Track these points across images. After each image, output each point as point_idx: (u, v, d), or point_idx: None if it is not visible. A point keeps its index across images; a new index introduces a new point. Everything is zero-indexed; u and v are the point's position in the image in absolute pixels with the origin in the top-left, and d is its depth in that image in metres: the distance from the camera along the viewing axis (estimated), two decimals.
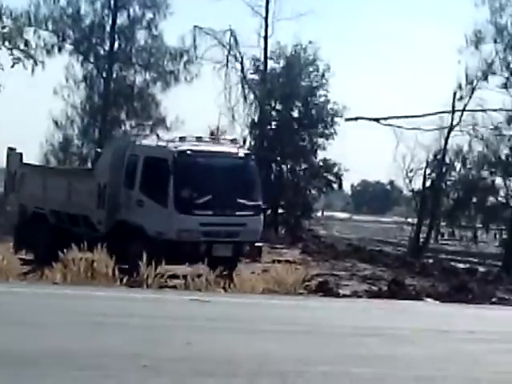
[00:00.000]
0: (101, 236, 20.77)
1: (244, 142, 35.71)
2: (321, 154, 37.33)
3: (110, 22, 38.28)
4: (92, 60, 38.77)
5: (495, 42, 33.49)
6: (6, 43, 24.23)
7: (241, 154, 22.46)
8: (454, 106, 28.89)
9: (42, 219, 23.15)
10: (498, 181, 31.52)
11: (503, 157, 31.24)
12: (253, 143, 36.71)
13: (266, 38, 36.41)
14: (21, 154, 25.14)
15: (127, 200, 20.93)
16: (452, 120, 30.77)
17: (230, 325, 10.83)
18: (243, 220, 20.80)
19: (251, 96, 36.71)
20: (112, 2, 38.03)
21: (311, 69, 36.92)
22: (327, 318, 12.67)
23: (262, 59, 36.51)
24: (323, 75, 37.41)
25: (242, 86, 37.02)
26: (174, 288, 17.97)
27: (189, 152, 21.00)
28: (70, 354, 7.51)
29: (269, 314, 12.73)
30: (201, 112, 43.27)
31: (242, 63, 36.76)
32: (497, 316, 14.59)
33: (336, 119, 36.26)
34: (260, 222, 21.54)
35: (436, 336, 10.66)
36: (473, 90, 33.00)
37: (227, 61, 36.84)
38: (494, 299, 17.83)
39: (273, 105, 36.94)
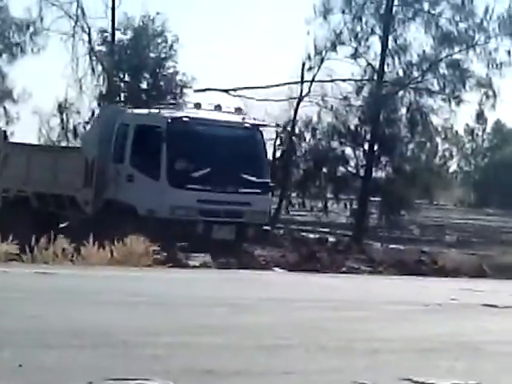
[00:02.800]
0: (90, 218, 19.26)
1: (92, 114, 34.95)
2: None
3: None
4: None
5: (343, 12, 34.19)
6: None
7: (246, 124, 20.78)
8: (303, 77, 29.30)
9: (25, 203, 21.34)
10: (348, 151, 31.75)
11: (352, 127, 31.60)
12: None
13: (113, 9, 35.94)
14: (4, 132, 23.20)
15: (116, 176, 19.30)
16: (301, 91, 31.38)
17: (75, 297, 10.40)
18: (248, 198, 19.45)
19: (99, 68, 36.35)
20: None
21: (159, 40, 37.14)
22: (174, 288, 12.47)
23: (110, 30, 36.02)
24: (171, 46, 37.67)
25: (90, 58, 36.34)
26: (21, 261, 16.37)
27: (185, 119, 19.55)
28: None
29: (115, 286, 12.33)
30: (49, 84, 42.31)
31: (89, 35, 36.05)
32: (345, 285, 14.79)
33: (185, 90, 36.30)
34: (267, 202, 20.35)
35: (282, 305, 10.57)
36: (322, 60, 33.22)
37: (74, 32, 35.99)
38: (343, 268, 17.92)
39: (121, 76, 36.87)
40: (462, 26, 33.89)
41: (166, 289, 12.22)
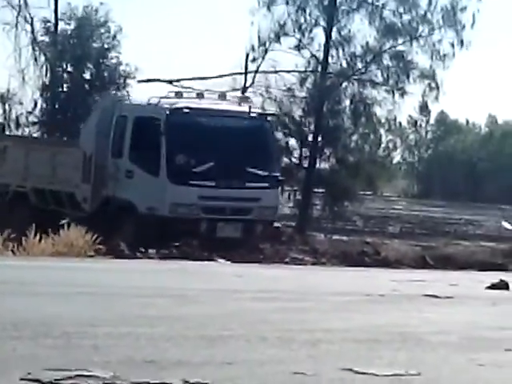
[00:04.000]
0: (86, 217, 18.47)
1: (35, 104, 36.65)
2: None
3: None
4: None
5: (287, 3, 34.55)
6: None
7: (253, 114, 19.76)
8: (246, 68, 29.37)
9: (24, 199, 20.57)
10: (292, 142, 31.62)
11: (296, 118, 31.60)
12: (44, 106, 36.65)
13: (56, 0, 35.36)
14: (2, 126, 23.01)
15: (115, 171, 18.64)
16: (245, 81, 31.39)
17: (16, 288, 10.37)
18: (256, 194, 18.85)
19: (42, 58, 36.60)
20: None
21: (103, 30, 37.38)
22: (115, 279, 12.45)
23: (53, 21, 36.56)
24: (115, 37, 37.98)
25: (33, 48, 36.71)
26: None
27: (186, 110, 18.87)
28: None
29: (56, 277, 12.26)
30: None
31: (32, 25, 36.56)
32: (288, 276, 14.84)
33: (128, 81, 36.53)
34: (277, 197, 19.74)
35: (224, 295, 10.62)
36: (266, 51, 33.63)
37: (17, 22, 36.56)
38: (286, 259, 17.88)
39: (64, 67, 37.09)
40: (405, 17, 34.30)
41: (107, 279, 12.25)
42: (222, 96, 21.78)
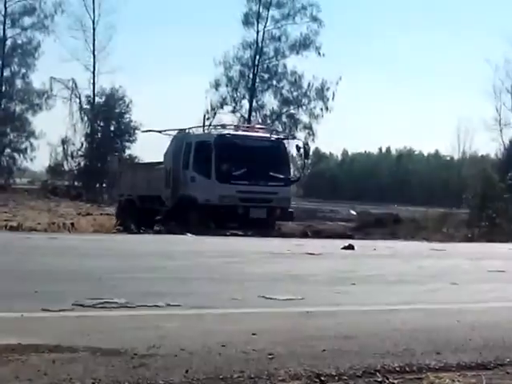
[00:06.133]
0: (168, 209, 18.71)
1: (82, 145, 40.00)
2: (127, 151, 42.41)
3: None
4: None
5: (226, 86, 38.14)
6: None
7: (272, 138, 20.13)
8: (204, 123, 29.80)
9: (132, 203, 20.79)
10: None
11: None
12: (87, 146, 40.00)
13: (93, 84, 39.86)
14: (118, 158, 22.77)
15: (184, 178, 18.54)
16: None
17: (74, 251, 10.32)
18: (275, 189, 18.35)
19: (85, 118, 40.23)
20: None
21: (121, 101, 41.63)
22: (127, 245, 12.44)
23: (92, 95, 40.54)
24: (128, 105, 41.99)
25: (80, 112, 40.17)
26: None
27: (227, 135, 18.82)
28: None
29: (93, 244, 12.56)
30: (57, 128, 44.27)
31: (79, 98, 40.52)
32: (229, 242, 14.67)
33: (137, 131, 39.84)
34: (290, 192, 19.58)
35: (192, 255, 10.44)
36: (215, 113, 37.42)
37: (71, 97, 39.67)
38: (227, 232, 18.06)
39: (98, 123, 41.19)
40: (295, 94, 38.20)
41: (124, 246, 12.53)
42: (252, 127, 23.22)
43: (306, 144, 20.24)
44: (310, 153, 20.67)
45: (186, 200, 18.20)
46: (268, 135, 20.63)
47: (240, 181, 17.69)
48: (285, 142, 20.53)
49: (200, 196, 17.81)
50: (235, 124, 25.68)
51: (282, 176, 18.69)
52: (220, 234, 16.24)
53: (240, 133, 20.38)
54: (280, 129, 37.36)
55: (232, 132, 19.99)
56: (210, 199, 17.59)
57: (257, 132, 21.33)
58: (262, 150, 18.80)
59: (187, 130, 20.54)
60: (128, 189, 21.79)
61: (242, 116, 36.60)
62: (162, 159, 21.11)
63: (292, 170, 20.28)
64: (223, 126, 22.20)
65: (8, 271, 7.18)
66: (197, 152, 18.32)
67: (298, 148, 20.81)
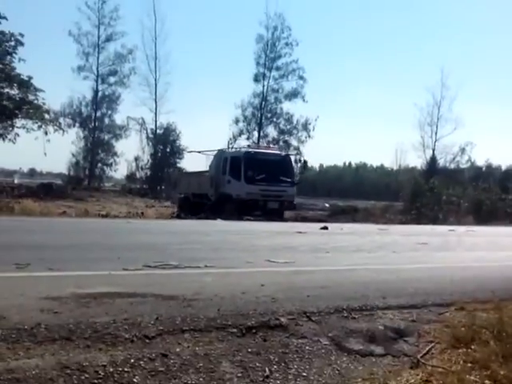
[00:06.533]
0: (212, 203, 18.61)
1: (148, 161, 39.06)
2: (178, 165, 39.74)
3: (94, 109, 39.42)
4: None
5: (243, 121, 36.49)
6: None
7: (282, 154, 19.99)
8: (228, 147, 30.14)
9: (188, 199, 20.67)
10: None
11: None
12: (152, 161, 38.78)
13: (155, 121, 38.78)
14: (178, 169, 24.93)
15: (222, 181, 18.22)
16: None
17: (148, 230, 10.45)
18: (284, 189, 17.98)
19: (150, 143, 39.16)
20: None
21: (173, 132, 38.82)
22: (182, 226, 12.09)
23: (154, 129, 39.17)
24: (178, 134, 39.27)
25: (147, 139, 39.29)
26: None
27: (251, 152, 18.68)
28: None
29: (157, 226, 12.46)
30: (131, 150, 45.96)
31: (146, 130, 39.36)
32: (248, 224, 14.26)
33: (184, 151, 38.22)
34: (294, 190, 18.78)
35: (222, 233, 10.07)
36: (235, 140, 35.04)
37: (141, 129, 38.77)
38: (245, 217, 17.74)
39: (159, 147, 38.88)
40: (288, 127, 36.38)
41: (177, 226, 12.53)
42: (268, 147, 23.55)
43: (304, 159, 20.17)
44: (309, 165, 20.53)
45: (224, 196, 17.83)
46: (278, 152, 20.40)
47: (260, 182, 17.25)
48: (290, 156, 20.15)
49: (233, 193, 17.36)
50: (256, 144, 26.85)
51: (288, 179, 18.23)
52: (239, 219, 15.79)
53: (260, 150, 19.99)
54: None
55: (254, 150, 19.62)
56: (240, 195, 17.16)
57: (271, 150, 21.20)
58: (275, 162, 18.40)
59: (224, 149, 20.26)
60: (185, 189, 21.43)
61: (253, 142, 35.25)
62: (201, 169, 21.20)
63: (295, 176, 19.39)
64: (249, 146, 21.79)
65: (100, 244, 7.20)
66: (231, 163, 17.94)
67: (298, 161, 21.29)
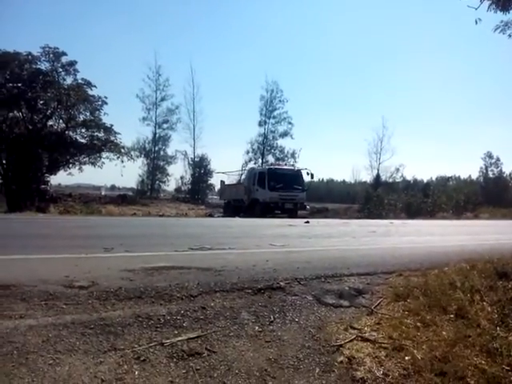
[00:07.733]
0: (246, 205, 17.64)
1: (189, 179, 35.38)
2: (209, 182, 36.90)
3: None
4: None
5: (252, 152, 34.50)
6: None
7: (295, 169, 18.69)
8: (243, 167, 27.67)
9: (230, 203, 19.56)
10: None
11: None
12: (191, 179, 35.52)
13: (194, 152, 35.51)
14: (223, 181, 22.04)
15: (253, 189, 17.20)
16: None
17: (185, 224, 9.63)
18: (297, 194, 16.90)
19: (191, 167, 35.46)
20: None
21: (206, 160, 35.36)
22: (214, 222, 11.28)
23: (193, 157, 35.72)
24: (209, 161, 36.43)
25: (188, 165, 35.97)
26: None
27: (273, 168, 17.72)
28: None
29: (194, 221, 11.15)
30: (176, 171, 44.42)
31: (188, 158, 35.85)
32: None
33: (213, 172, 34.97)
34: (304, 195, 17.52)
35: (244, 225, 9.81)
36: (246, 164, 32.08)
37: (184, 158, 35.50)
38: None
39: (197, 169, 34.95)
40: (281, 155, 34.02)
41: (210, 222, 11.44)
42: (286, 163, 22.81)
43: (312, 173, 18.78)
44: (315, 178, 19.89)
45: (254, 200, 16.94)
46: (292, 167, 19.55)
47: (279, 190, 16.49)
48: (301, 171, 18.79)
49: (260, 198, 16.46)
50: (277, 162, 26.17)
51: (300, 187, 17.26)
52: (253, 217, 15.31)
53: (279, 166, 19.04)
54: None
55: (275, 166, 18.70)
56: (265, 199, 16.44)
57: (287, 166, 20.58)
58: (290, 175, 17.52)
59: (254, 167, 19.86)
60: (227, 196, 20.30)
61: (258, 166, 34.91)
62: (232, 182, 20.94)
63: (304, 185, 18.13)
64: (272, 164, 21.40)
65: (158, 234, 7.09)
66: (259, 176, 17.01)
67: (307, 173, 19.23)
